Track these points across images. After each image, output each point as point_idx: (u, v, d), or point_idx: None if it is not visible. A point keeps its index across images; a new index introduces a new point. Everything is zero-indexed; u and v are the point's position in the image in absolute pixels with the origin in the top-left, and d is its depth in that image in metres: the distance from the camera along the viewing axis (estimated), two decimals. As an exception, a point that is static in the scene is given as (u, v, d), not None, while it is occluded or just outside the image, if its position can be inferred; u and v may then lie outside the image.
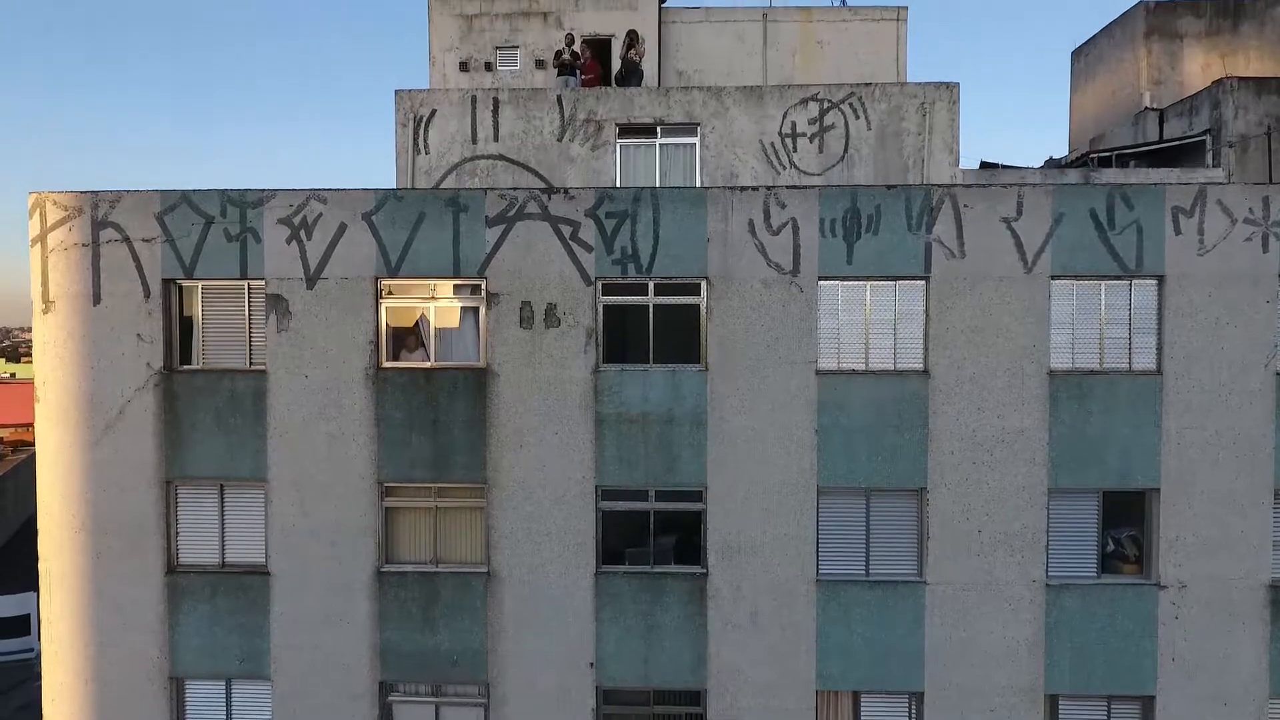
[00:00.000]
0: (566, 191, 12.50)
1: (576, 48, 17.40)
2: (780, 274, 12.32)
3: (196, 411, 12.76)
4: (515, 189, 12.64)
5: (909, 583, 12.45)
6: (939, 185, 12.35)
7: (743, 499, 12.44)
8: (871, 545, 12.51)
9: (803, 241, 12.29)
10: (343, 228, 12.56)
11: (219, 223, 12.62)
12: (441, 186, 16.16)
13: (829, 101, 15.87)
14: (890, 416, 12.32)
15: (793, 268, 12.31)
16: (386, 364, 12.71)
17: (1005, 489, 12.28)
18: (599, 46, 18.55)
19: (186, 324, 12.94)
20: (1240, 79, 15.88)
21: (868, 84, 16.04)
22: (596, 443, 12.51)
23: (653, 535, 12.71)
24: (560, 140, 16.12)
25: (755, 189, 12.43)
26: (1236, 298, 12.09)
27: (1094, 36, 21.00)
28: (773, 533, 12.42)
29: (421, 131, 16.24)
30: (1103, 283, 12.24)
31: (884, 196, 12.27)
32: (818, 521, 12.44)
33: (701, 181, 15.96)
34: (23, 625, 35.78)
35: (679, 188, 12.87)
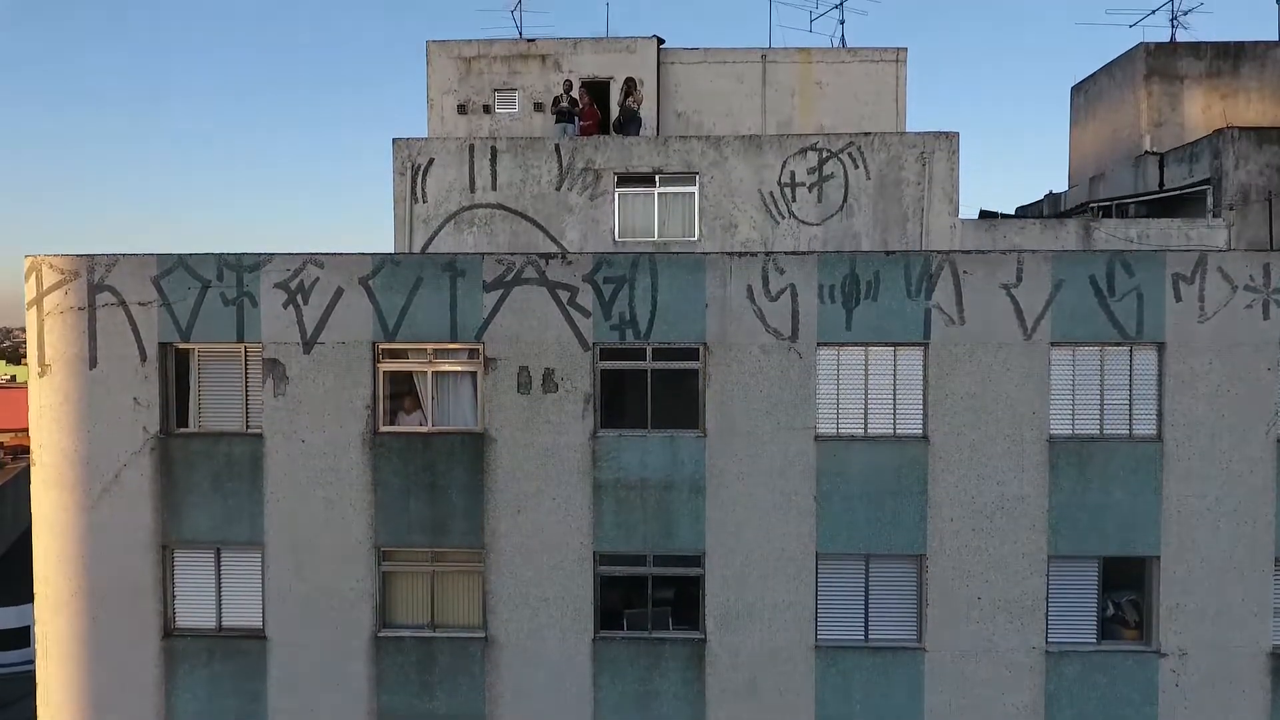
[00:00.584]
0: (564, 257, 12.46)
1: (575, 94, 17.33)
2: (779, 340, 12.27)
3: (193, 475, 12.72)
4: (513, 254, 12.60)
5: (908, 649, 12.40)
6: (938, 252, 12.30)
7: (741, 565, 12.40)
8: (871, 611, 12.46)
9: (801, 307, 12.24)
10: (340, 292, 12.51)
11: (215, 287, 12.57)
12: (440, 234, 16.15)
13: (828, 151, 15.82)
14: (889, 483, 12.27)
15: (791, 333, 12.26)
16: (384, 428, 12.67)
17: (1005, 555, 12.23)
18: (598, 89, 18.48)
19: (183, 387, 12.88)
20: (1241, 129, 15.83)
21: (867, 133, 15.99)
22: (594, 508, 12.47)
23: (651, 599, 12.67)
24: (558, 189, 16.08)
25: (754, 254, 12.39)
26: (1237, 364, 12.04)
27: (1094, 74, 20.93)
28: (771, 599, 12.38)
29: (419, 180, 16.20)
30: (1103, 349, 12.18)
31: (883, 263, 12.22)
32: (817, 588, 12.39)
33: (700, 231, 15.93)
34: (23, 637, 35.65)
35: (677, 253, 12.82)
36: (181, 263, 12.62)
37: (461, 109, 18.58)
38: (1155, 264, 12.05)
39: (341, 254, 12.64)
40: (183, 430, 12.84)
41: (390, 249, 16.00)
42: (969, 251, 12.34)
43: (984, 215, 17.45)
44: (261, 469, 12.65)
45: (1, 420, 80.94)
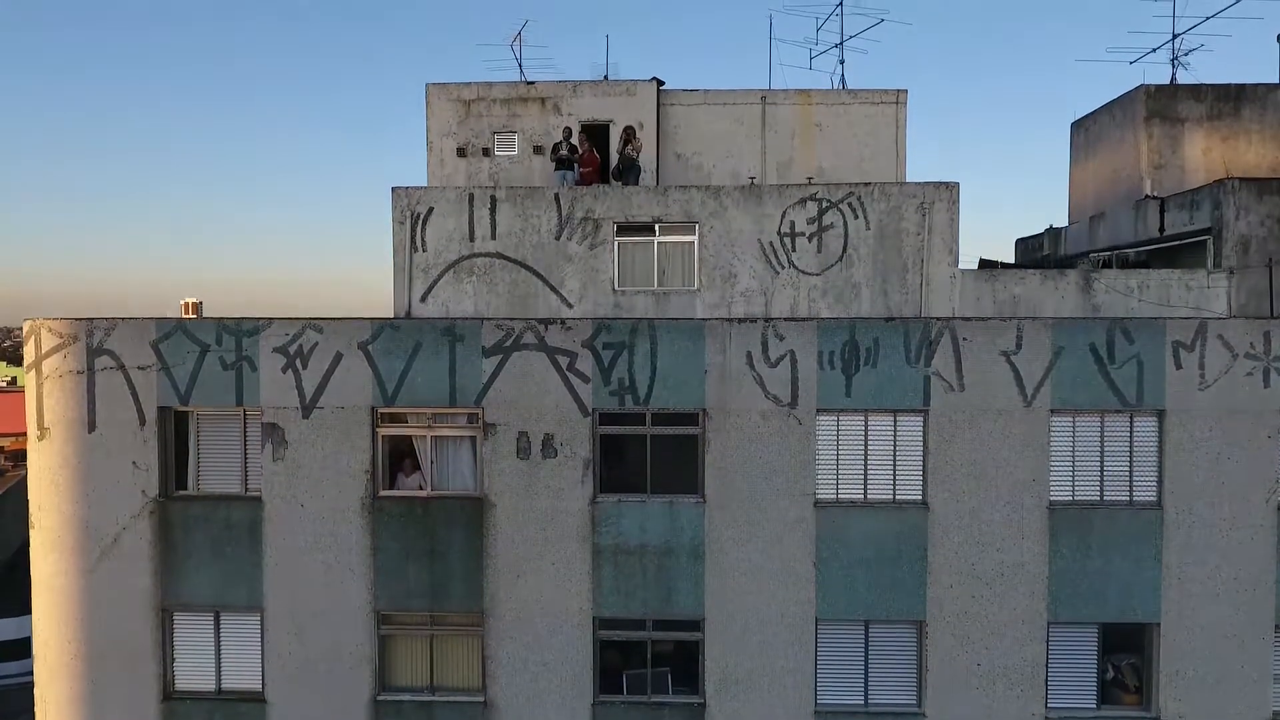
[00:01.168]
0: (563, 322, 12.44)
1: (575, 140, 17.30)
2: (778, 406, 12.25)
3: (192, 539, 12.71)
4: (512, 319, 12.58)
5: (908, 715, 12.39)
6: (938, 318, 12.28)
7: (741, 630, 12.39)
8: (871, 677, 12.45)
9: (801, 374, 12.22)
10: (339, 357, 12.50)
11: (215, 351, 12.56)
12: (439, 284, 16.11)
13: (828, 201, 15.79)
14: (889, 548, 12.26)
15: (791, 400, 12.24)
16: (383, 492, 12.66)
17: (1005, 622, 12.22)
18: (597, 132, 18.45)
19: (182, 449, 12.87)
20: (1242, 180, 15.78)
21: (867, 183, 15.95)
22: (594, 573, 12.46)
23: (650, 663, 12.66)
24: (558, 238, 16.05)
25: (753, 321, 12.37)
26: (1238, 432, 12.02)
27: (1095, 112, 20.87)
28: (771, 664, 12.37)
29: (419, 229, 16.17)
30: (1103, 416, 12.16)
31: (882, 329, 12.20)
32: (816, 653, 12.38)
33: (700, 280, 15.89)
34: (24, 648, 35.67)
35: (676, 319, 12.79)
36: (180, 327, 12.61)
37: (461, 151, 18.55)
38: (1155, 332, 12.03)
39: (340, 319, 12.62)
40: (182, 493, 12.82)
41: (391, 296, 16.01)
42: (969, 318, 12.32)
43: (984, 265, 17.40)
44: (261, 533, 12.64)
45: (2, 424, 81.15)
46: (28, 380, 12.79)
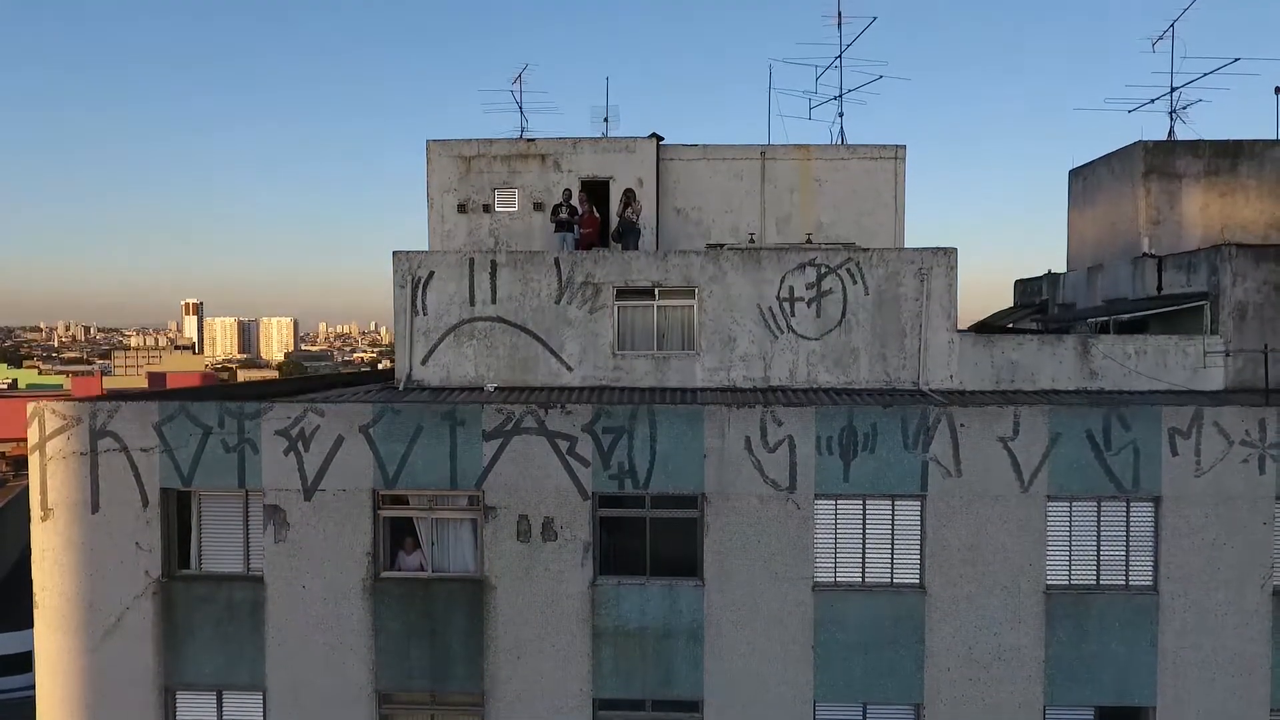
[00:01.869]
0: (563, 406, 12.53)
1: (575, 201, 17.38)
2: (777, 490, 12.34)
3: (195, 619, 12.81)
4: (512, 405, 12.67)
5: (906, 796, 12.48)
6: (935, 405, 12.37)
7: (740, 712, 12.48)
8: (868, 758, 12.54)
9: (799, 459, 12.31)
10: (340, 440, 12.59)
11: (217, 433, 12.65)
12: (440, 347, 16.19)
13: (826, 266, 15.86)
14: (887, 632, 12.35)
15: (789, 484, 12.33)
16: (384, 573, 12.75)
17: (1001, 706, 12.30)
18: (597, 188, 18.54)
19: (185, 529, 12.97)
20: (1239, 246, 15.85)
21: (865, 249, 16.04)
22: (594, 655, 12.55)
23: (650, 742, 12.75)
24: (558, 303, 16.13)
25: (752, 406, 12.46)
26: (1233, 518, 12.10)
27: (1093, 163, 20.94)
28: (770, 746, 12.46)
29: (419, 293, 16.25)
30: (1100, 502, 12.25)
31: (880, 415, 12.28)
32: (814, 735, 12.47)
33: (700, 345, 15.97)
34: (24, 663, 35.80)
35: (676, 405, 12.86)
36: (183, 410, 12.70)
37: (461, 208, 18.65)
38: (1151, 419, 12.11)
39: (342, 402, 12.71)
40: (185, 572, 12.92)
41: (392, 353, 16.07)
42: (966, 405, 12.40)
43: (981, 328, 17.45)
44: (263, 613, 12.73)
45: (2, 429, 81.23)
46: (31, 461, 12.89)
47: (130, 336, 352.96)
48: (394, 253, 16.34)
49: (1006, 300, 25.00)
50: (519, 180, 18.67)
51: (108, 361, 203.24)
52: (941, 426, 12.21)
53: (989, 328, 22.75)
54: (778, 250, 16.20)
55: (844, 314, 15.85)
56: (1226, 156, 18.69)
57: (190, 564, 12.98)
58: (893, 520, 12.39)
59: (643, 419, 12.41)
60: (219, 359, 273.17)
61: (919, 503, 12.31)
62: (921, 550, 12.34)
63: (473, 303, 16.21)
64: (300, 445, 12.61)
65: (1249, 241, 18.70)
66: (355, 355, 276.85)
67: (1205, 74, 18.74)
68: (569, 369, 16.12)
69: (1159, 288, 17.60)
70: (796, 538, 12.34)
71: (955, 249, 15.81)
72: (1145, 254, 18.19)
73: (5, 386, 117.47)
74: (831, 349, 15.86)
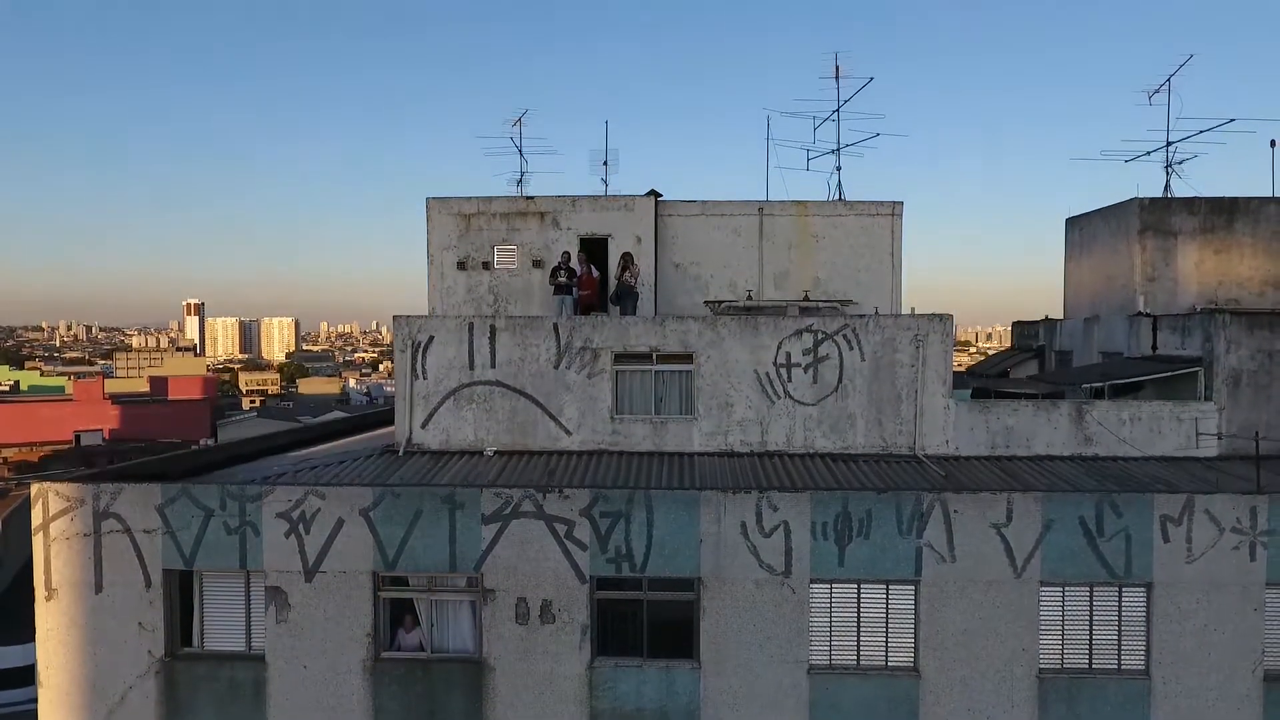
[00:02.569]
0: (561, 491, 12.66)
1: (574, 264, 17.51)
2: (773, 575, 12.48)
3: (198, 698, 12.96)
4: (511, 487, 12.80)
5: None
6: (929, 492, 12.50)
7: (736, 793, 12.61)
8: (863, 838, 12.67)
9: (795, 544, 12.44)
10: (340, 523, 12.73)
11: (219, 515, 12.79)
12: (440, 411, 16.32)
13: (823, 333, 15.99)
14: (882, 715, 12.48)
15: (785, 569, 12.46)
16: (384, 654, 12.89)
17: (995, 788, 12.44)
18: (596, 246, 18.66)
19: (187, 608, 13.11)
20: (1232, 313, 15.98)
21: (862, 315, 16.17)
22: (591, 735, 12.68)
23: (647, 820, 12.89)
24: (557, 367, 16.27)
25: (748, 491, 12.59)
26: (1224, 604, 12.23)
27: (1090, 214, 21.05)
28: (765, 826, 12.59)
29: (419, 357, 16.39)
30: (1092, 587, 12.38)
31: (875, 501, 12.41)
32: (810, 815, 12.60)
33: (698, 409, 16.10)
34: (27, 676, 36.00)
35: (672, 489, 12.97)
36: (185, 492, 12.84)
37: (461, 265, 18.77)
38: (1143, 506, 12.24)
39: (342, 486, 12.85)
40: (187, 651, 13.07)
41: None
42: (960, 491, 12.52)
43: (977, 393, 17.58)
44: (264, 693, 12.88)
45: (5, 435, 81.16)
46: (36, 542, 13.03)
47: (132, 336, 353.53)
48: (395, 317, 16.47)
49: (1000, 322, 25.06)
50: (518, 237, 18.79)
51: (109, 362, 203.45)
52: (936, 512, 12.33)
53: (985, 376, 22.90)
54: (774, 316, 16.33)
55: (840, 379, 15.98)
56: (1222, 214, 18.80)
57: (193, 643, 13.13)
58: (887, 604, 12.52)
59: (639, 503, 12.54)
60: (220, 359, 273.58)
61: (913, 587, 12.44)
62: (916, 634, 12.47)
63: (472, 367, 16.35)
64: (301, 528, 12.75)
65: (1244, 298, 18.85)
66: (356, 355, 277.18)
67: (1201, 131, 18.83)
68: (568, 433, 16.26)
69: (1154, 347, 17.71)
70: (792, 621, 12.47)
71: (951, 315, 15.93)
72: (1140, 313, 18.31)
73: (7, 389, 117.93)
74: (828, 414, 16.00)
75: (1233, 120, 18.21)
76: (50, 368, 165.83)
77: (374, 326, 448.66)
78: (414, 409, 16.43)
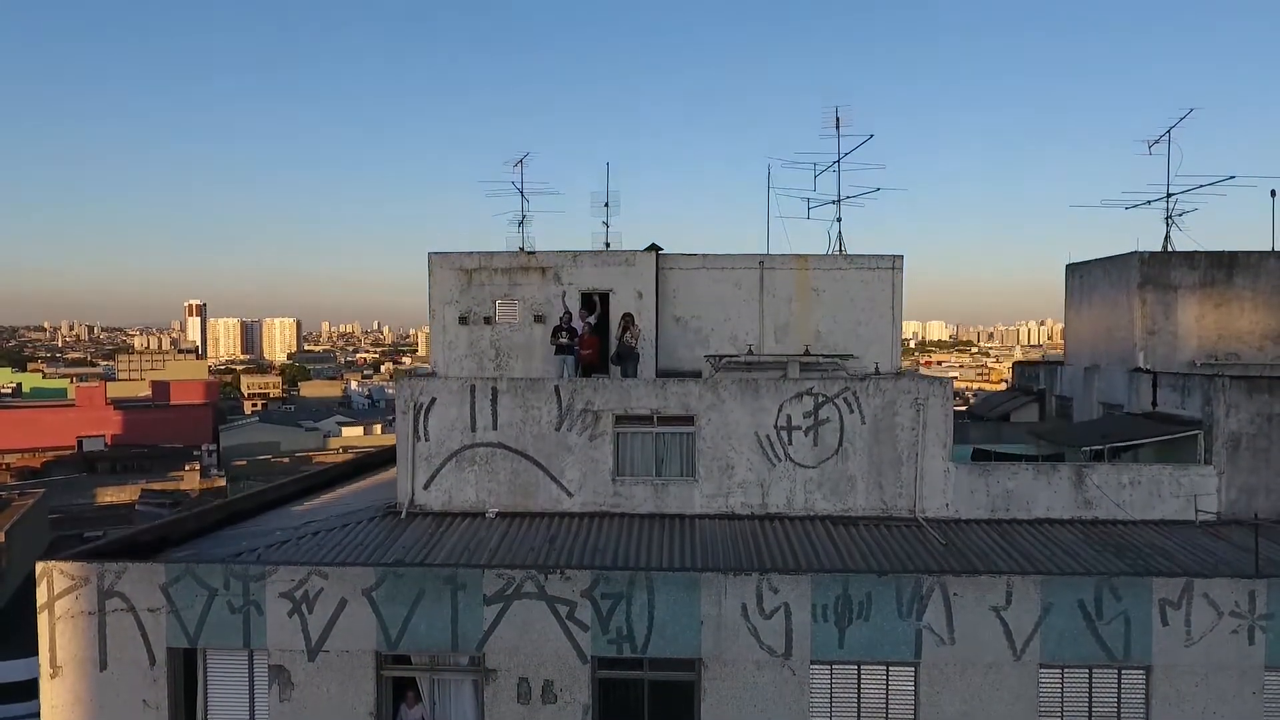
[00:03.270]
0: (563, 572, 12.73)
1: (575, 323, 17.57)
2: (773, 656, 12.54)
3: (201, 775, 13.03)
4: (513, 568, 12.87)
5: None
6: (929, 574, 12.56)
7: None
8: None
9: (795, 626, 12.50)
10: (343, 603, 12.80)
11: (223, 595, 12.87)
12: (442, 472, 16.39)
13: (824, 395, 16.05)
14: (881, 795, 12.54)
15: (785, 650, 12.53)
16: (387, 732, 12.97)
17: None
18: (597, 301, 18.71)
19: (191, 685, 13.19)
20: (1232, 378, 16.01)
21: (862, 378, 16.23)
22: (593, 814, 12.76)
23: None
24: (558, 429, 16.34)
25: (749, 574, 12.65)
26: (1223, 688, 12.29)
27: (1090, 263, 21.08)
28: None
29: (422, 418, 16.47)
30: (1091, 670, 12.43)
31: (875, 584, 12.47)
32: None
33: (699, 471, 16.16)
34: (29, 690, 36.11)
35: (674, 570, 13.03)
36: (189, 571, 12.92)
37: (463, 319, 18.81)
38: (1142, 590, 12.29)
39: (345, 566, 12.92)
40: (191, 728, 13.15)
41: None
42: (960, 574, 12.57)
43: (977, 455, 17.63)
44: (268, 771, 12.95)
45: (6, 439, 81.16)
46: (41, 620, 13.11)
47: (134, 336, 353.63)
48: (396, 378, 16.61)
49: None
50: (520, 292, 18.83)
51: (111, 363, 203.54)
52: (935, 595, 12.39)
53: (986, 419, 22.96)
54: (775, 378, 16.37)
55: (841, 442, 16.05)
56: (1222, 268, 18.84)
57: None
58: (887, 686, 12.59)
59: (640, 585, 12.61)
60: (222, 360, 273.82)
61: (913, 669, 12.51)
62: (916, 716, 12.53)
63: (474, 428, 16.42)
64: (304, 607, 12.82)
65: (1244, 352, 18.90)
66: (358, 356, 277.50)
67: (1200, 185, 18.85)
68: (569, 494, 16.34)
69: (1154, 403, 17.75)
70: (792, 703, 12.54)
71: (951, 379, 16.01)
72: (1140, 368, 18.35)
73: (9, 392, 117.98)
74: (829, 477, 16.07)
75: (1232, 177, 18.27)
76: (52, 369, 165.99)
77: (375, 326, 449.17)
78: (416, 470, 16.51)
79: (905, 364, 23.37)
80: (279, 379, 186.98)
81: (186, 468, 67.50)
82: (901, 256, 19.16)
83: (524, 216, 21.15)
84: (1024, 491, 15.91)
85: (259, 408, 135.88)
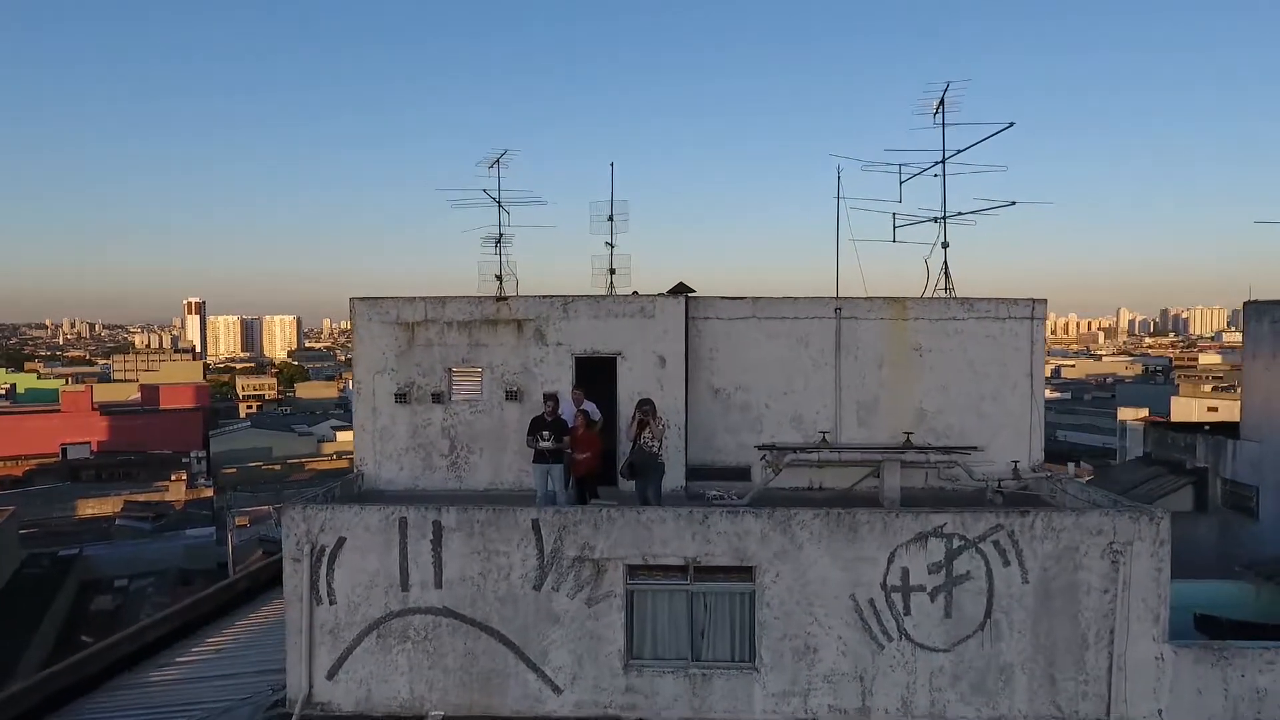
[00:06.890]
0: None
1: (564, 414, 11.53)
2: None
3: None
4: None
5: None
6: None
7: None
8: None
9: None
10: None
11: None
12: (355, 652, 10.44)
13: (962, 537, 10.06)
14: None
15: None
16: None
17: None
18: (599, 370, 12.70)
19: None
20: None
21: (1024, 511, 10.17)
22: None
23: None
24: (538, 588, 10.38)
25: None
26: None
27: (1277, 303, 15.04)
28: None
29: (323, 571, 10.50)
30: None
31: None
32: None
33: (761, 655, 10.19)
34: None
35: None
36: None
37: (401, 397, 12.77)
38: None
39: None
40: None
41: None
42: None
43: (1200, 622, 11.46)
44: None
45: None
46: None
47: (135, 333, 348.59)
48: (281, 509, 10.58)
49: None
50: (485, 356, 12.77)
51: (109, 362, 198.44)
52: None
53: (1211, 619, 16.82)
54: (885, 516, 10.30)
55: (989, 612, 10.10)
56: None
57: None
58: None
59: None
60: (221, 359, 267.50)
61: None
62: None
63: (405, 586, 10.48)
64: None
65: None
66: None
67: None
68: (556, 690, 10.40)
69: None
70: None
71: (1167, 515, 9.95)
72: None
73: (3, 393, 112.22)
74: (969, 666, 10.10)
75: None
76: (49, 369, 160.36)
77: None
78: (315, 649, 10.54)
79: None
80: (275, 380, 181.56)
81: (173, 477, 62.00)
82: (1044, 301, 13.11)
83: (500, 235, 15.15)
84: (1282, 691, 9.89)
85: (254, 410, 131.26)
